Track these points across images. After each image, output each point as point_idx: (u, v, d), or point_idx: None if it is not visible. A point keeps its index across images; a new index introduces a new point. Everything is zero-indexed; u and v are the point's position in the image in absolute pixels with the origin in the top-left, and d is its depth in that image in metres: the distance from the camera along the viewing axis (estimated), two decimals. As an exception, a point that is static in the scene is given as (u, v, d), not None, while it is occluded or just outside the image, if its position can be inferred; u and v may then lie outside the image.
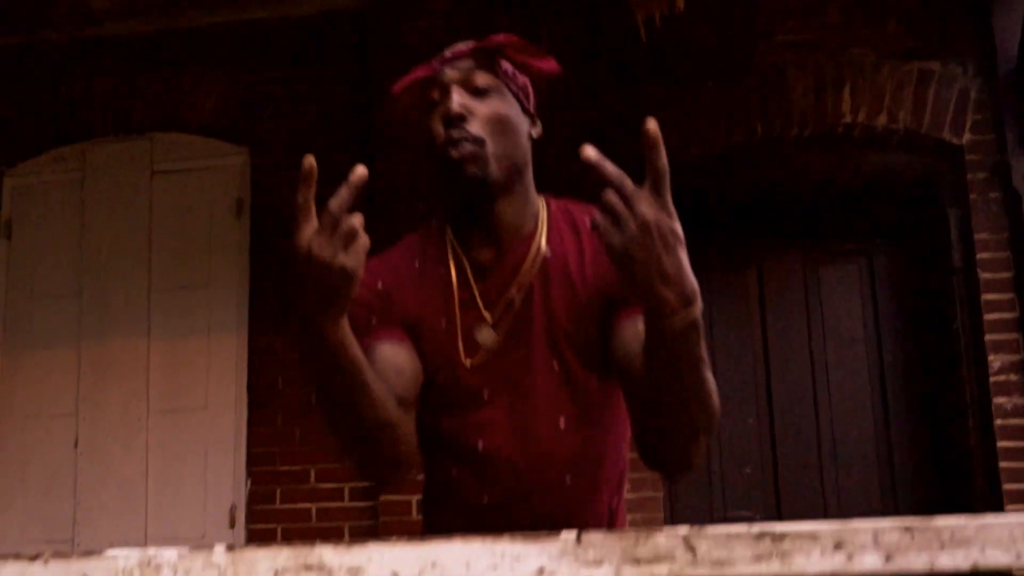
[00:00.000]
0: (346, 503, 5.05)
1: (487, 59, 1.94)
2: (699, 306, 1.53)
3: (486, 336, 1.90)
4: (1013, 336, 4.85)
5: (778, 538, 1.05)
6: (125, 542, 5.30)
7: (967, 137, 5.02)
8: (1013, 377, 4.82)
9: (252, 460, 5.20)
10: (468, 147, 1.84)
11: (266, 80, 5.62)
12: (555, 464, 1.90)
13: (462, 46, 1.96)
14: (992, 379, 4.83)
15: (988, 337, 4.87)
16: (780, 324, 5.50)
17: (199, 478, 5.26)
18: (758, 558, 1.04)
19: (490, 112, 1.90)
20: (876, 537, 1.04)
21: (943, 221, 5.11)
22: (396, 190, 5.05)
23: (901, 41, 5.15)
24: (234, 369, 5.33)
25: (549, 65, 2.00)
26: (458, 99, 1.88)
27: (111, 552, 1.03)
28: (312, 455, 5.08)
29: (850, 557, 1.03)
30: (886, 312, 5.44)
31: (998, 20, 5.01)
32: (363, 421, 1.75)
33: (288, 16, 5.63)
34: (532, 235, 1.93)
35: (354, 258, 1.60)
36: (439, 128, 1.88)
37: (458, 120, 1.86)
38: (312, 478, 5.10)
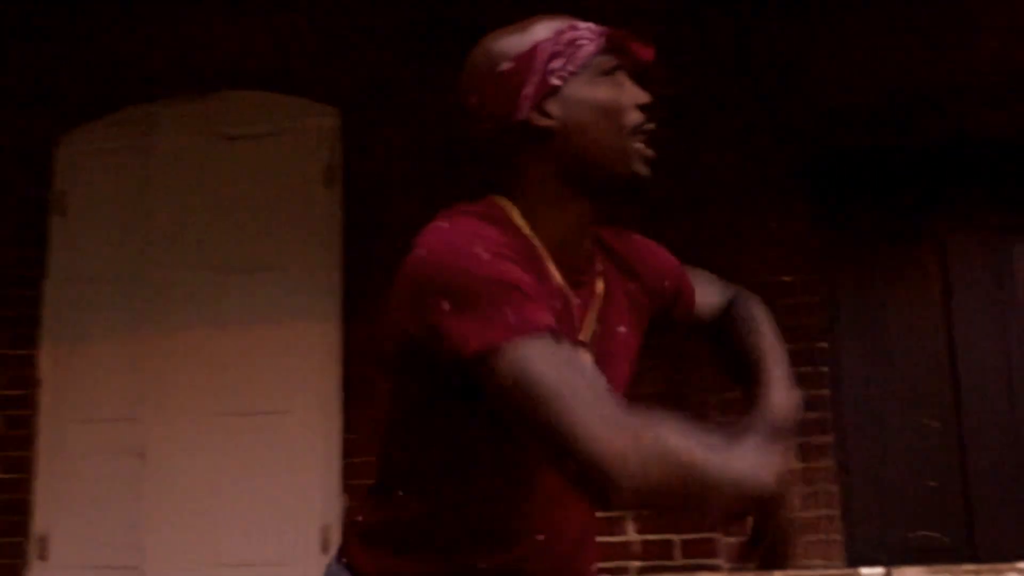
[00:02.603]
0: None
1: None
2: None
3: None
4: None
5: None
6: (195, 567, 4.98)
7: None
8: None
9: (348, 472, 4.78)
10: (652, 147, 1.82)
11: (359, 31, 5.21)
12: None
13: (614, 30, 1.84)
14: None
15: None
16: (967, 309, 5.03)
17: (282, 494, 4.86)
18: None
19: None
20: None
21: None
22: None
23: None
24: (325, 365, 4.94)
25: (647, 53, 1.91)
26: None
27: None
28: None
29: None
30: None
31: None
32: None
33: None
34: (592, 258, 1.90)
35: None
36: (635, 113, 1.78)
37: (653, 109, 1.83)
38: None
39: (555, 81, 1.76)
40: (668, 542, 4.38)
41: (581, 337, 1.81)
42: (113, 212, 5.37)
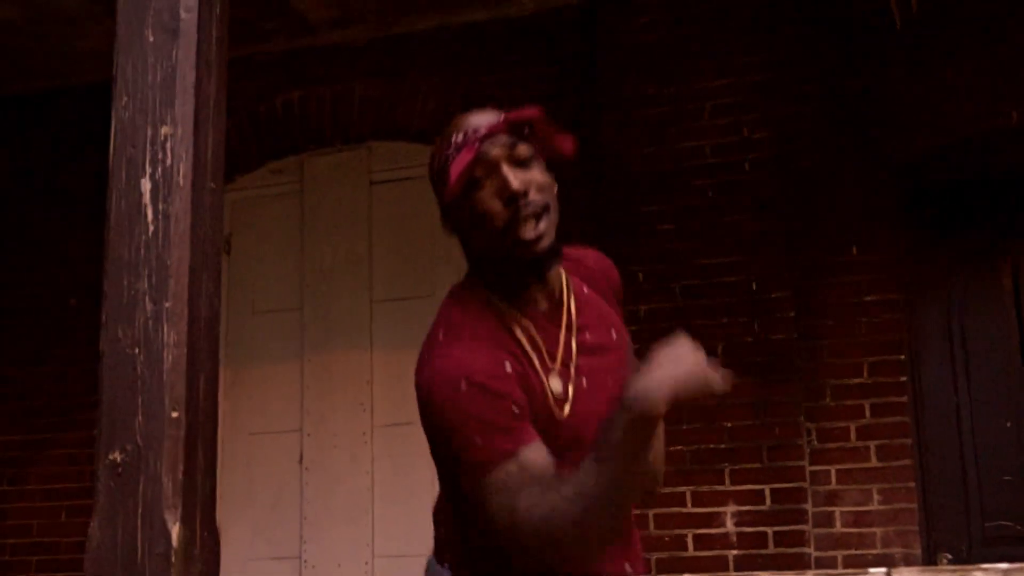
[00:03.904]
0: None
1: (520, 129, 2.05)
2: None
3: (559, 386, 2.03)
4: None
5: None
6: (352, 560, 5.43)
7: None
8: None
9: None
10: (542, 225, 1.99)
11: (486, 83, 5.69)
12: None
13: (493, 119, 2.04)
14: None
15: None
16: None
17: (428, 493, 5.24)
18: None
19: (541, 180, 2.04)
20: None
21: None
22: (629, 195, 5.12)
23: None
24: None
25: (566, 144, 2.11)
26: (513, 174, 2.00)
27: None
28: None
29: None
30: None
31: None
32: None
33: (506, 16, 5.74)
34: (562, 284, 2.13)
35: None
36: (497, 206, 1.99)
37: (523, 196, 1.98)
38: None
39: (443, 201, 2.06)
40: (763, 533, 4.87)
41: (564, 349, 2.05)
42: (274, 250, 5.81)
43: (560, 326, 2.10)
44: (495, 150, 2.02)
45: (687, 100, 5.31)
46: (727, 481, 4.92)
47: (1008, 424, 5.24)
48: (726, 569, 4.81)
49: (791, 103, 5.30)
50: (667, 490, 4.86)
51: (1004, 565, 1.03)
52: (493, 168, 2.02)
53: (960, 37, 5.19)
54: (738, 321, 5.04)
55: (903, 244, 5.27)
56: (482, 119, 2.07)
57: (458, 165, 2.00)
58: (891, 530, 4.92)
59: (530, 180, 2.01)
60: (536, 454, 1.91)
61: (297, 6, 5.71)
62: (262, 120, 6.01)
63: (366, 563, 5.48)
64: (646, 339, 5.05)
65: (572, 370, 2.07)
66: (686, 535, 4.88)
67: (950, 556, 5.09)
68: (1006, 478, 5.19)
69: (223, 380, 5.63)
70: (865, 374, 5.06)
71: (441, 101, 5.71)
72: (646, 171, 5.30)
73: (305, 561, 5.56)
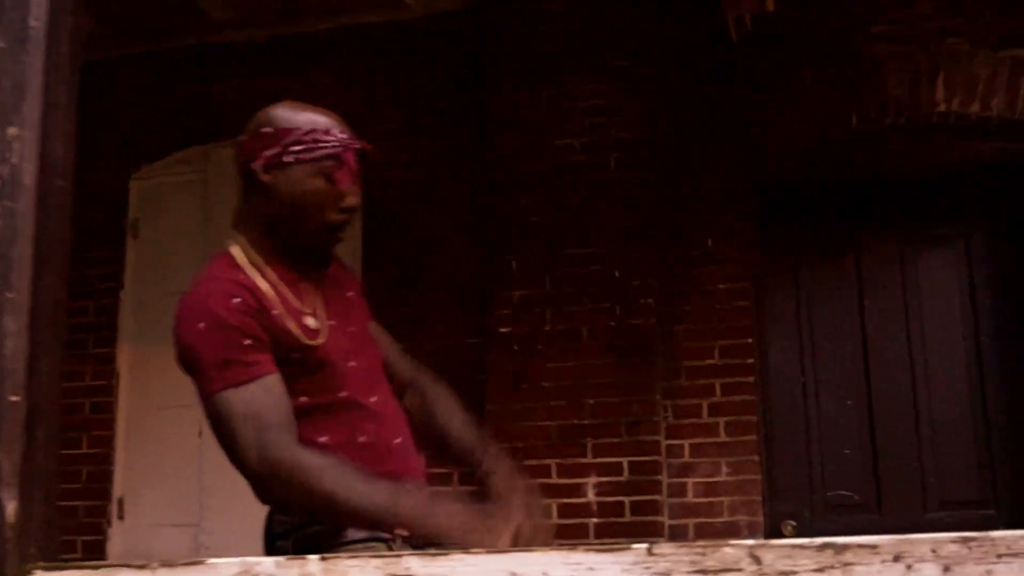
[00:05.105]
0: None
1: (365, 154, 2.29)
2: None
3: (314, 323, 2.24)
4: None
5: (840, 550, 1.07)
6: (246, 526, 5.42)
7: None
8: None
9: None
10: (345, 228, 2.28)
11: (379, 82, 5.73)
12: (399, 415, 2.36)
13: (346, 131, 2.27)
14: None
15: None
16: (878, 308, 5.43)
17: None
18: (820, 569, 1.06)
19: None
20: (935, 549, 1.06)
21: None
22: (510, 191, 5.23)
23: (994, 29, 5.13)
24: None
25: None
26: (357, 191, 2.25)
27: (212, 561, 1.09)
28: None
29: (909, 568, 1.05)
30: (983, 295, 5.34)
31: None
32: None
33: (398, 19, 5.73)
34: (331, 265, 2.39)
35: None
36: (333, 204, 2.21)
37: (355, 211, 2.25)
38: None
39: (287, 158, 2.18)
40: (621, 503, 4.96)
41: (315, 304, 2.27)
42: (179, 235, 5.78)
43: (321, 287, 2.32)
44: (356, 162, 2.25)
45: (562, 101, 5.38)
46: (589, 454, 5.01)
47: (849, 402, 5.37)
48: (587, 536, 4.90)
49: (656, 105, 5.36)
50: (534, 462, 4.94)
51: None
52: (347, 175, 2.23)
53: (808, 45, 5.30)
54: (602, 307, 5.12)
55: (756, 237, 5.36)
56: (335, 122, 2.27)
57: (327, 150, 2.20)
58: (738, 500, 5.02)
59: (360, 199, 2.26)
60: (271, 385, 2.12)
61: (202, 4, 5.69)
62: (169, 112, 5.98)
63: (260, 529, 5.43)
64: (519, 323, 5.17)
65: (324, 314, 2.27)
66: (551, 504, 4.96)
67: (794, 523, 5.22)
68: (845, 451, 5.32)
69: (122, 356, 5.81)
70: (717, 356, 5.16)
71: (338, 99, 5.64)
72: (524, 168, 5.36)
73: (203, 528, 5.58)
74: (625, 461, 4.98)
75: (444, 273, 5.43)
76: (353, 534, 2.12)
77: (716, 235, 5.27)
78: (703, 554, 1.07)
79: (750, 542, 1.05)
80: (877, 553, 1.06)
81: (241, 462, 2.09)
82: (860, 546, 1.05)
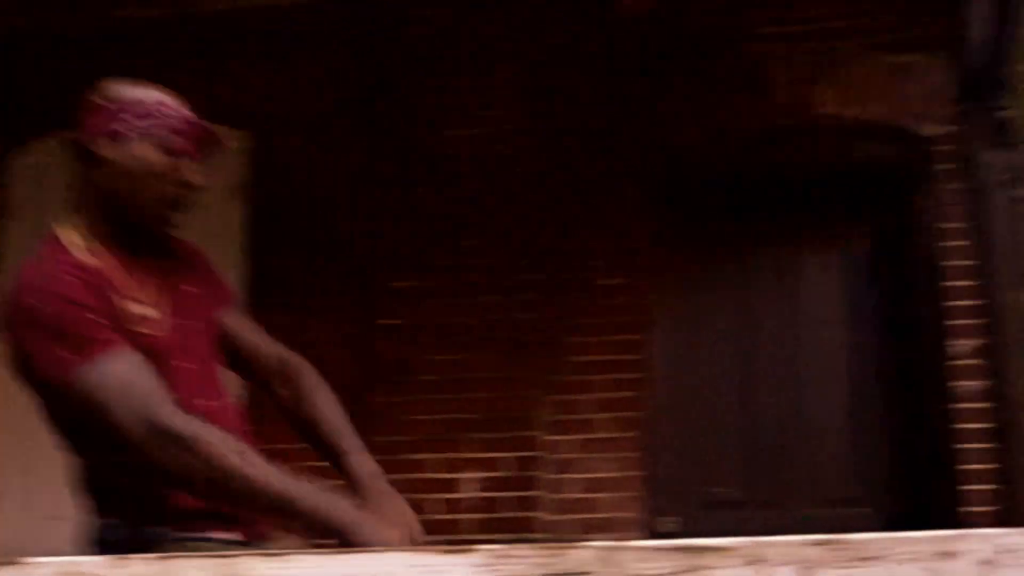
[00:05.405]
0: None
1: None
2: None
3: (153, 312, 2.18)
4: (974, 322, 4.90)
5: (696, 552, 1.02)
6: None
7: (937, 129, 5.09)
8: (973, 362, 4.87)
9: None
10: (184, 206, 2.21)
11: (269, 65, 5.59)
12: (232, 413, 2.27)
13: (188, 113, 2.22)
14: (953, 363, 4.89)
15: (950, 323, 4.93)
16: (762, 307, 5.45)
17: None
18: (675, 572, 1.01)
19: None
20: (793, 552, 1.01)
21: (914, 210, 5.16)
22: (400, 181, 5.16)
23: (877, 34, 5.19)
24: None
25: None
26: (198, 171, 2.20)
27: (30, 560, 1.01)
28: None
29: (767, 572, 1.01)
30: (860, 296, 5.38)
31: (969, 17, 5.03)
32: None
33: (305, 2, 5.58)
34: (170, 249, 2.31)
35: None
36: (173, 186, 2.16)
37: (197, 191, 2.21)
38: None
39: (128, 132, 2.14)
40: (501, 498, 4.88)
41: (151, 295, 2.18)
42: (56, 216, 5.63)
43: (160, 277, 2.24)
44: (198, 140, 2.21)
45: (453, 92, 5.32)
46: (470, 449, 4.95)
47: (731, 400, 5.37)
48: (465, 532, 4.82)
49: (548, 98, 5.32)
50: (415, 456, 4.87)
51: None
52: (188, 150, 2.19)
53: (699, 43, 5.31)
54: (488, 300, 5.07)
55: (645, 233, 5.34)
56: (175, 99, 2.23)
57: (168, 124, 2.16)
58: (618, 496, 4.98)
59: (202, 178, 2.21)
60: (136, 359, 2.04)
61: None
62: (49, 91, 5.64)
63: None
64: (405, 314, 5.09)
65: (162, 307, 2.20)
66: (431, 499, 4.87)
67: (674, 520, 5.20)
68: (727, 449, 5.32)
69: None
70: (601, 352, 5.13)
71: (225, 81, 5.56)
72: (421, 157, 5.29)
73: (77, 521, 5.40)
74: (506, 457, 4.93)
75: (330, 262, 5.32)
76: (186, 534, 2.04)
77: (604, 230, 5.23)
78: (554, 556, 1.02)
79: (602, 544, 1.00)
80: (734, 556, 1.01)
81: (125, 437, 1.96)
82: (717, 548, 1.01)
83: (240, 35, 5.64)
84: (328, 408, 2.34)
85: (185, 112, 2.20)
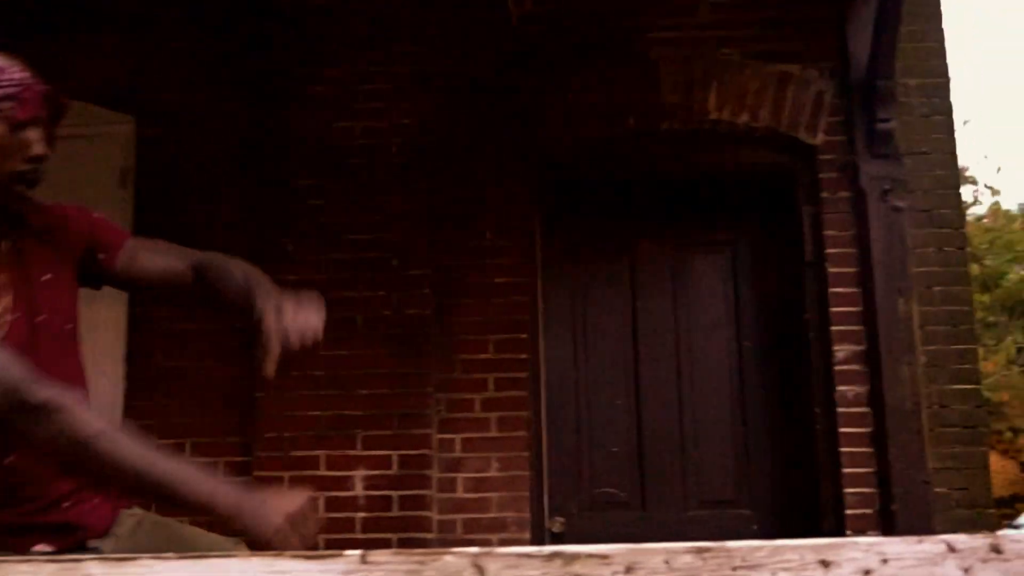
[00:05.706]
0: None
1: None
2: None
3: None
4: (857, 328, 4.97)
5: (569, 559, 0.97)
6: None
7: (821, 138, 5.18)
8: (855, 367, 4.94)
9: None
10: (35, 179, 2.04)
11: (155, 48, 5.43)
12: None
13: (34, 80, 2.06)
14: (836, 368, 4.96)
15: (834, 328, 4.99)
16: (650, 308, 5.46)
17: None
18: (547, 580, 0.96)
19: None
20: (668, 560, 0.97)
21: (800, 216, 5.21)
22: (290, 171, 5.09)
23: (764, 44, 5.27)
24: (111, 368, 5.11)
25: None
26: (43, 140, 2.05)
27: None
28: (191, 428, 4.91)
29: (642, 580, 0.96)
30: (746, 301, 5.42)
31: (851, 30, 5.18)
32: None
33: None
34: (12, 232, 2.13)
35: None
36: (18, 161, 2.00)
37: (43, 160, 2.05)
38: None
39: None
40: (389, 497, 4.81)
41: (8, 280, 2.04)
42: None
43: (8, 266, 2.09)
44: (41, 107, 2.05)
45: (346, 83, 5.22)
46: (359, 446, 4.85)
47: (619, 401, 5.36)
48: (353, 531, 4.74)
49: (440, 93, 5.26)
50: (302, 454, 4.78)
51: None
52: (30, 117, 2.02)
53: (591, 43, 5.32)
54: (378, 295, 4.98)
55: (535, 232, 5.33)
56: (15, 63, 2.05)
57: (6, 89, 1.99)
58: (507, 496, 4.95)
59: (48, 149, 2.04)
60: None
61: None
62: None
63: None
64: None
65: (8, 302, 2.05)
66: (318, 497, 4.75)
67: (562, 520, 5.18)
68: (614, 449, 5.32)
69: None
70: (491, 350, 5.09)
71: (109, 63, 5.40)
72: (304, 148, 5.18)
73: None
74: (395, 455, 4.85)
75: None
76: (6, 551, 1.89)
77: (495, 228, 5.20)
78: (423, 563, 0.96)
79: (474, 550, 0.94)
80: (608, 564, 0.96)
81: None
82: (590, 555, 0.96)
83: (113, 12, 5.44)
84: (238, 270, 2.31)
85: (25, 75, 2.04)
